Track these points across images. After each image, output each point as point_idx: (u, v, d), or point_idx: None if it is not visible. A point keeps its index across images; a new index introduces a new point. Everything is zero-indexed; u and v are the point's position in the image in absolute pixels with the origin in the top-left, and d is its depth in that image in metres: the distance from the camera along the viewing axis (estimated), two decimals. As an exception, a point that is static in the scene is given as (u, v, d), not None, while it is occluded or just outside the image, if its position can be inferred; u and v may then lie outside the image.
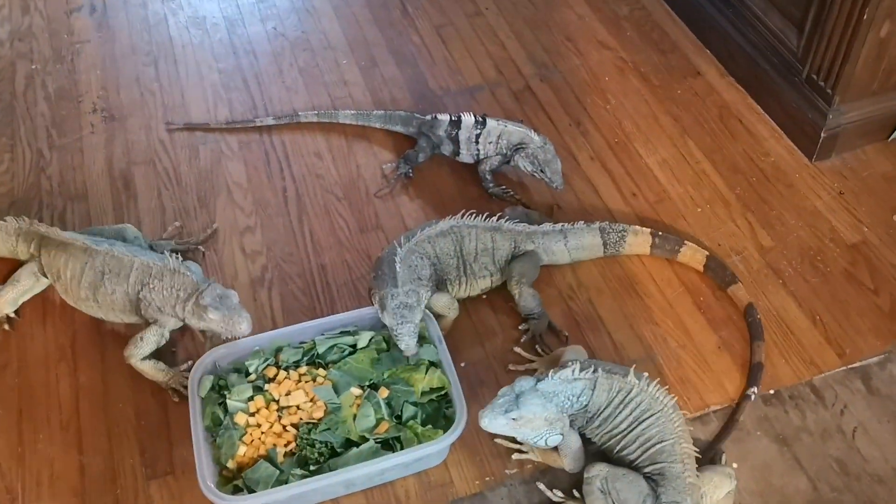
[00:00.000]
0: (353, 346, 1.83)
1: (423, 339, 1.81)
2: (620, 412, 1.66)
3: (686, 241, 2.11)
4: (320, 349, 1.81)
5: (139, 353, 1.81)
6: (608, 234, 2.12)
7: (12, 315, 1.98)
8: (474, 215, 2.02)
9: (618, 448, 1.67)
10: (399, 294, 1.80)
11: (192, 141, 2.45)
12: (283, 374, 1.77)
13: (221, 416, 1.71)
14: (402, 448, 1.66)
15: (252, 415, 1.70)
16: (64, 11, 2.87)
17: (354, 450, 1.66)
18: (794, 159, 2.40)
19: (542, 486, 1.70)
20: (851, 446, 1.79)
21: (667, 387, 1.67)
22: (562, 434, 1.65)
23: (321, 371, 1.77)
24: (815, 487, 1.72)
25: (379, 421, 1.70)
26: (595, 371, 1.66)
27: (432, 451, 1.66)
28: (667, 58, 2.73)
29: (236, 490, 1.63)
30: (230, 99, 2.58)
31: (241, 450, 1.65)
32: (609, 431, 1.67)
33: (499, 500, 1.70)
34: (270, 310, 2.03)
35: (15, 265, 2.01)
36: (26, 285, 1.95)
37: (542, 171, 2.22)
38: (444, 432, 1.66)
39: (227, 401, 1.71)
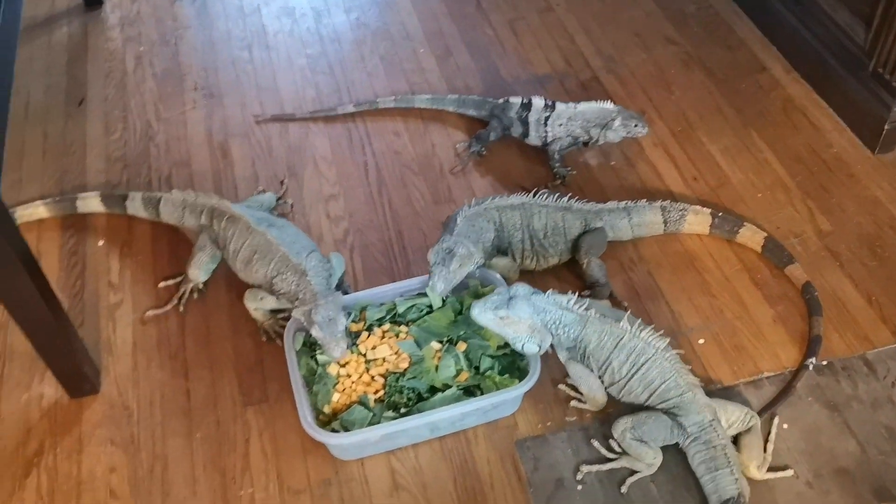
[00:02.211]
0: (430, 307, 1.96)
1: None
2: (616, 358, 1.76)
3: (745, 222, 2.18)
4: (400, 309, 1.95)
5: (253, 305, 1.98)
6: (669, 212, 2.21)
7: (202, 285, 2.12)
8: (546, 195, 2.14)
9: (628, 394, 1.78)
10: (448, 240, 1.95)
11: (279, 117, 2.64)
12: (365, 333, 1.90)
13: (315, 366, 1.85)
14: (482, 395, 1.79)
15: (343, 366, 1.84)
16: (168, 1, 3.11)
17: (439, 395, 1.79)
18: (856, 151, 2.44)
19: (596, 444, 1.80)
20: (902, 416, 1.84)
21: (692, 352, 1.75)
22: (539, 346, 1.76)
23: (403, 328, 1.91)
24: (864, 450, 1.77)
25: (459, 371, 1.83)
26: (588, 309, 1.78)
27: (511, 396, 1.78)
28: (733, 54, 2.81)
29: (333, 432, 1.76)
30: (317, 82, 2.76)
31: (335, 397, 1.80)
32: (612, 379, 1.78)
33: (559, 444, 1.81)
34: (352, 268, 2.19)
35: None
36: (212, 251, 2.08)
37: (635, 125, 2.34)
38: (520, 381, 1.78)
39: (319, 355, 1.85)
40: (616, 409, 1.83)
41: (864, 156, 2.43)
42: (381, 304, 1.97)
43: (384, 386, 1.82)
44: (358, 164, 2.49)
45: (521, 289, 1.79)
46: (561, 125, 2.41)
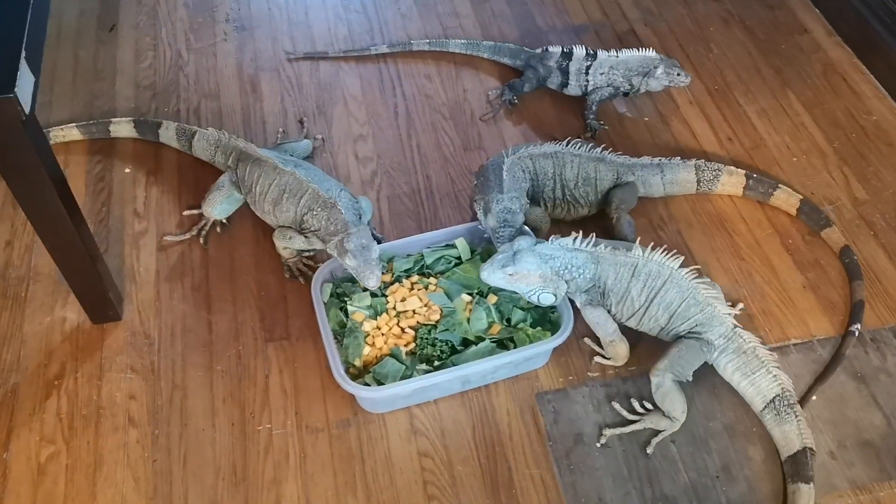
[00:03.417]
0: (459, 258, 1.85)
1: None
2: (634, 287, 1.66)
3: (780, 184, 2.05)
4: (428, 260, 1.84)
5: (282, 244, 1.88)
6: (703, 171, 2.07)
7: (224, 221, 2.02)
8: (579, 145, 2.01)
9: (649, 321, 1.68)
10: (504, 199, 1.82)
11: (311, 54, 2.49)
12: (396, 284, 1.79)
13: (345, 319, 1.75)
14: (515, 347, 1.68)
15: (373, 318, 1.74)
16: (203, -70, 2.94)
17: (473, 348, 1.69)
18: (896, 119, 2.29)
19: (618, 407, 1.70)
20: (929, 392, 1.74)
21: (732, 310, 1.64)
22: (554, 295, 1.66)
23: (432, 280, 1.80)
24: (890, 423, 1.67)
25: (490, 324, 1.73)
26: (596, 246, 1.67)
27: (545, 349, 1.68)
28: (774, 13, 2.62)
29: (365, 385, 1.66)
30: (349, 20, 2.60)
31: (366, 350, 1.70)
32: (633, 308, 1.68)
33: (580, 398, 1.72)
34: (378, 211, 2.07)
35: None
36: (230, 191, 1.98)
37: (677, 74, 2.20)
38: (552, 334, 1.68)
39: (349, 306, 1.74)
40: (638, 367, 1.74)
41: (904, 125, 2.28)
42: (409, 256, 1.86)
43: (415, 338, 1.72)
44: (388, 106, 2.35)
45: (525, 241, 1.68)
46: (602, 74, 2.26)
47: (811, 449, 1.57)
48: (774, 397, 1.61)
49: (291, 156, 2.04)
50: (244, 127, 2.27)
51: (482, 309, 1.73)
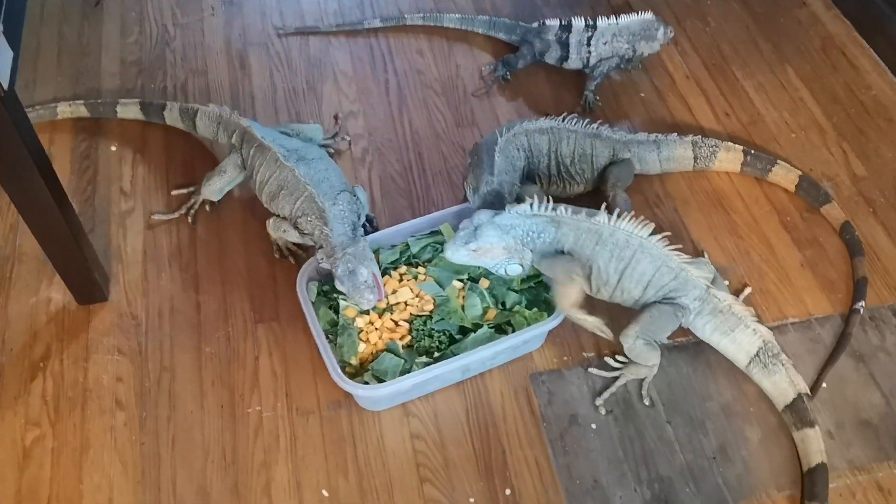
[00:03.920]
0: (445, 244, 1.76)
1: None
2: (599, 256, 1.60)
3: (779, 160, 1.99)
4: (414, 249, 1.76)
5: (275, 235, 1.81)
6: (700, 147, 2.00)
7: (214, 201, 1.95)
8: (575, 120, 1.94)
9: (622, 293, 1.63)
10: (493, 181, 1.75)
11: (302, 29, 2.41)
12: (385, 277, 1.70)
13: (335, 317, 1.67)
14: (514, 331, 1.62)
15: (364, 314, 1.66)
16: None
17: (471, 335, 1.62)
18: (896, 94, 2.23)
19: (594, 370, 1.66)
20: (928, 371, 1.69)
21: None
22: (521, 265, 1.61)
23: (420, 269, 1.72)
24: (888, 403, 1.63)
25: (486, 309, 1.67)
26: (555, 210, 1.61)
27: (544, 330, 1.62)
28: (772, -14, 2.55)
29: (364, 384, 1.58)
30: (339, -7, 2.52)
31: (361, 347, 1.62)
32: (602, 280, 1.62)
33: (574, 379, 1.67)
34: (370, 188, 2.00)
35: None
36: (232, 175, 1.91)
37: (670, 32, 2.16)
38: (549, 315, 1.63)
39: (340, 301, 1.66)
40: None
41: (904, 100, 2.21)
42: (393, 246, 1.77)
43: (410, 331, 1.65)
44: (379, 82, 2.27)
45: (483, 215, 1.61)
46: (605, 44, 2.18)
47: (806, 394, 1.56)
48: (758, 351, 1.58)
49: (298, 137, 1.94)
50: (233, 104, 2.19)
51: (475, 295, 1.67)
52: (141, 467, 1.57)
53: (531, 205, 1.62)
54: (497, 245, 1.59)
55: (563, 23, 2.20)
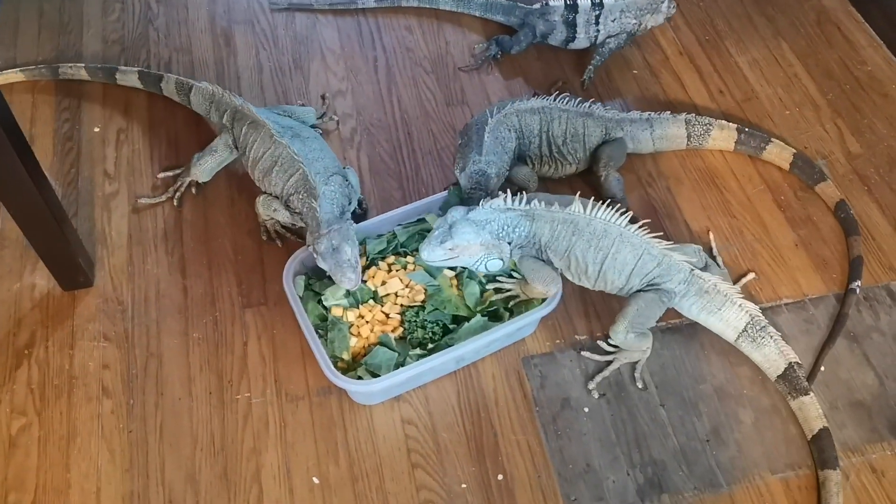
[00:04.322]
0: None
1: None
2: (577, 247, 1.57)
3: (773, 139, 1.94)
4: (402, 238, 1.70)
5: (265, 212, 1.76)
6: (693, 126, 1.96)
7: (201, 182, 1.90)
8: (566, 99, 1.89)
9: (605, 283, 1.60)
10: (480, 161, 1.72)
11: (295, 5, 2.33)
12: (373, 268, 1.66)
13: (325, 311, 1.62)
14: (511, 317, 1.59)
15: (354, 307, 1.61)
16: None
17: (465, 325, 1.58)
18: (891, 69, 2.17)
19: (587, 354, 1.64)
20: (921, 350, 1.67)
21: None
22: (501, 259, 1.57)
23: (409, 259, 1.67)
24: (882, 383, 1.61)
25: (483, 292, 1.63)
26: (529, 203, 1.57)
27: (541, 315, 1.58)
28: (767, -41, 2.49)
29: (357, 378, 1.54)
30: (328, -31, 2.44)
31: (353, 341, 1.57)
32: (581, 270, 1.59)
33: (567, 362, 1.64)
34: (359, 169, 1.95)
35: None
36: (223, 156, 1.86)
37: (673, 3, 2.10)
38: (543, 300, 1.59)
39: (324, 302, 1.61)
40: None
41: (899, 75, 2.17)
42: (380, 236, 1.71)
43: (402, 322, 1.60)
44: (367, 60, 2.21)
45: (456, 212, 1.56)
46: (614, 20, 2.12)
47: (796, 363, 1.56)
48: (746, 325, 1.58)
49: (291, 118, 1.89)
50: (218, 83, 2.10)
51: (474, 283, 1.62)
52: (129, 455, 1.54)
53: (504, 199, 1.57)
54: (474, 242, 1.54)
55: (568, 2, 2.13)
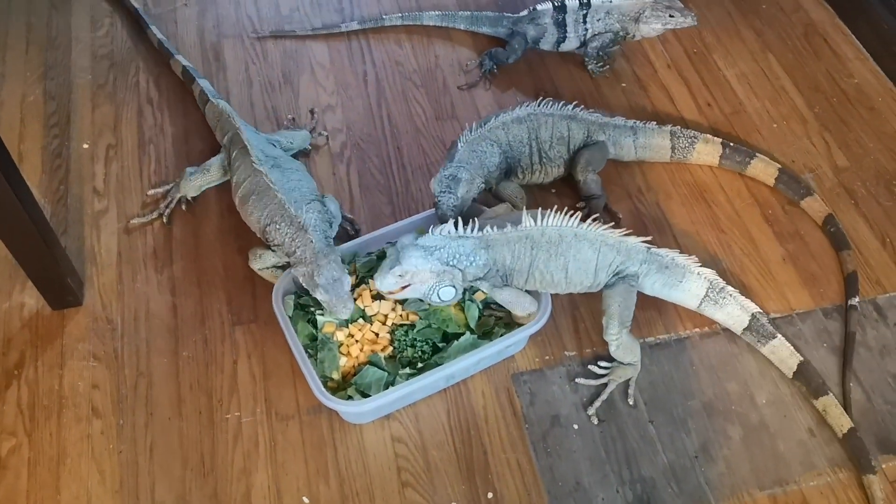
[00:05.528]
0: None
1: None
2: (538, 259, 1.56)
3: (757, 154, 1.95)
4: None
5: (256, 266, 1.73)
6: (678, 138, 1.96)
7: (191, 199, 1.89)
8: (551, 103, 1.89)
9: (576, 286, 1.61)
10: (450, 167, 1.73)
11: (278, 21, 2.32)
12: (363, 286, 1.65)
13: (314, 331, 1.61)
14: (502, 335, 1.58)
15: (345, 327, 1.60)
16: None
17: (455, 343, 1.57)
18: (878, 83, 2.18)
19: (581, 380, 1.63)
20: (908, 365, 1.67)
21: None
22: (453, 286, 1.52)
23: None
24: (869, 399, 1.61)
25: (481, 315, 1.63)
26: (481, 230, 1.55)
27: (529, 333, 1.58)
28: (754, -28, 2.49)
29: (347, 398, 1.54)
30: (317, -15, 2.44)
31: (342, 360, 1.56)
32: (548, 280, 1.59)
33: (556, 378, 1.64)
34: (348, 184, 1.95)
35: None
36: (215, 175, 1.86)
37: (670, 16, 2.09)
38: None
39: (317, 317, 1.60)
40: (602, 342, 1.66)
41: (886, 88, 2.17)
42: (370, 254, 1.70)
43: (391, 341, 1.60)
44: (357, 74, 2.20)
45: (405, 238, 1.53)
46: (599, 20, 2.14)
47: (759, 312, 1.64)
48: (707, 291, 1.63)
49: (282, 147, 1.88)
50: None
51: (474, 306, 1.62)
52: (119, 476, 1.53)
53: (455, 225, 1.55)
54: (423, 268, 1.49)
55: (556, 4, 2.15)
